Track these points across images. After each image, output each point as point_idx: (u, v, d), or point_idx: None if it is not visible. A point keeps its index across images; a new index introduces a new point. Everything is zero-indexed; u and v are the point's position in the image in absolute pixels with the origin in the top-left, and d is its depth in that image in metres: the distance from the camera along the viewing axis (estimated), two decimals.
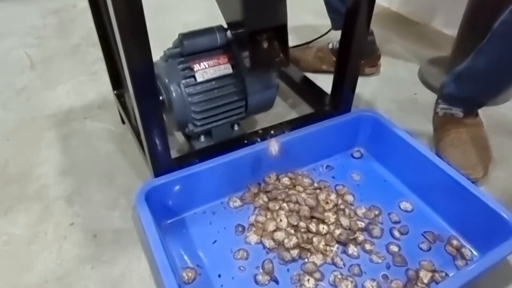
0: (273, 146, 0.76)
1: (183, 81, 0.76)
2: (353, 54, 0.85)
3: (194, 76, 0.76)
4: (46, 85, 1.20)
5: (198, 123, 0.80)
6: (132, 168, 0.91)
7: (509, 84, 0.81)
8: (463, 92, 0.89)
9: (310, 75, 1.22)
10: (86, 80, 1.22)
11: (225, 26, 0.79)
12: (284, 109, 1.10)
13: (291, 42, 1.31)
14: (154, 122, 0.69)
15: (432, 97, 1.07)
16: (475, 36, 1.12)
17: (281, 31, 0.74)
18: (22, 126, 1.05)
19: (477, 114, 0.95)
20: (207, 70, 0.76)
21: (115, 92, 0.97)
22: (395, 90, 1.19)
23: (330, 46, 1.21)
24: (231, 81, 0.79)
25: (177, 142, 0.97)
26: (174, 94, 0.77)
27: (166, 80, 0.77)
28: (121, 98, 0.96)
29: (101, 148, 0.97)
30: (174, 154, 0.87)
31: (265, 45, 0.73)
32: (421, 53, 1.36)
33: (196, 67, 0.76)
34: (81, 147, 0.97)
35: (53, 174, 0.90)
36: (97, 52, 1.33)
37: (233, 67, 0.79)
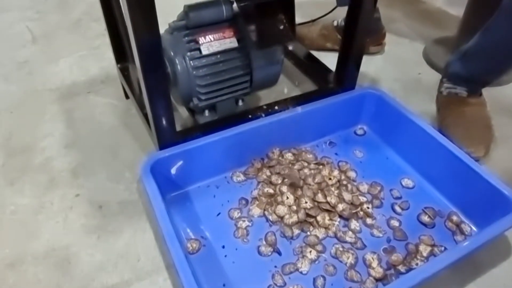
0: None
1: (188, 54, 0.75)
2: (359, 30, 0.84)
3: (199, 49, 0.76)
4: (48, 59, 1.19)
5: (203, 97, 0.80)
6: (136, 142, 0.92)
7: None
8: (468, 71, 0.89)
9: (315, 53, 1.21)
10: (89, 55, 1.21)
11: None
12: (288, 85, 1.09)
13: (296, 19, 1.30)
14: (160, 94, 0.69)
15: (436, 77, 1.06)
16: (480, 17, 1.10)
17: (287, 5, 0.74)
18: (25, 100, 1.05)
19: (481, 94, 0.95)
20: (212, 43, 0.76)
21: (118, 65, 0.97)
22: (400, 69, 1.18)
23: (335, 23, 1.20)
24: (237, 55, 0.78)
25: (180, 117, 0.97)
26: (179, 67, 0.77)
27: (172, 53, 0.77)
28: (124, 72, 0.95)
29: (104, 122, 0.97)
30: (178, 128, 0.87)
31: (271, 19, 0.73)
32: (426, 32, 1.35)
33: (201, 40, 0.75)
34: (85, 121, 0.97)
35: (57, 147, 0.91)
36: (99, 27, 1.33)
37: (238, 41, 0.78)
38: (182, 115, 0.97)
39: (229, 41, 0.77)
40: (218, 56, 0.77)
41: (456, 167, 0.76)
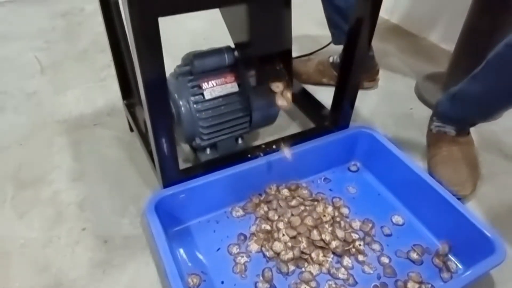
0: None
1: (192, 98, 0.81)
2: (353, 73, 0.89)
3: (202, 94, 0.81)
4: (56, 90, 1.25)
5: (205, 137, 0.85)
6: (139, 175, 0.96)
7: (501, 110, 0.86)
8: (456, 113, 0.94)
9: (311, 87, 1.27)
10: (95, 86, 1.27)
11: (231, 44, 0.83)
12: (285, 120, 1.14)
13: (293, 53, 1.36)
14: (165, 137, 0.74)
15: (427, 112, 1.12)
16: (470, 56, 1.17)
17: (285, 54, 0.79)
18: (34, 131, 1.09)
19: (468, 133, 1.00)
20: (215, 88, 0.81)
21: (125, 102, 1.02)
22: (392, 104, 1.24)
23: (331, 60, 1.26)
24: (237, 98, 0.84)
25: (183, 151, 1.01)
26: (183, 110, 0.82)
27: (176, 96, 0.82)
28: (130, 108, 1.00)
29: (110, 155, 1.02)
30: (180, 162, 0.91)
31: (270, 66, 0.78)
32: (418, 67, 1.41)
33: (204, 85, 0.81)
34: (91, 154, 1.02)
35: (65, 180, 0.95)
36: (105, 59, 1.38)
37: (239, 85, 0.84)
38: (184, 149, 1.02)
39: (230, 86, 0.82)
40: (220, 99, 0.82)
41: (442, 207, 0.80)
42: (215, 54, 0.81)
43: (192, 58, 0.79)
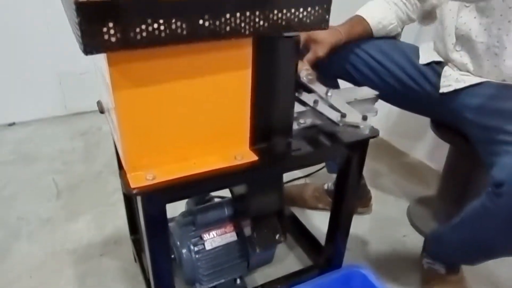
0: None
1: (194, 248, 0.88)
2: (346, 204, 0.92)
3: (203, 244, 0.88)
4: (69, 216, 1.33)
5: (205, 283, 0.90)
6: None
7: (482, 260, 0.90)
8: (444, 253, 0.99)
9: (307, 212, 1.35)
10: (105, 211, 1.35)
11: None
12: (282, 250, 1.19)
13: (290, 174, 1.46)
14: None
15: (419, 240, 1.17)
16: (456, 186, 1.25)
17: (278, 209, 0.88)
18: (45, 262, 1.15)
19: (459, 270, 1.04)
20: (215, 239, 0.88)
21: (132, 237, 1.09)
22: (385, 230, 1.29)
23: (326, 187, 1.35)
24: (236, 246, 0.91)
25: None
26: (184, 256, 0.88)
27: (179, 244, 0.89)
28: (137, 246, 1.07)
29: None
30: None
31: (265, 219, 0.86)
32: (409, 189, 1.49)
33: (205, 236, 0.88)
34: None
35: None
36: (116, 182, 1.49)
37: (237, 234, 0.91)
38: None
39: (230, 235, 0.90)
40: (220, 248, 0.89)
41: None
42: (216, 208, 0.90)
43: (195, 212, 0.88)
